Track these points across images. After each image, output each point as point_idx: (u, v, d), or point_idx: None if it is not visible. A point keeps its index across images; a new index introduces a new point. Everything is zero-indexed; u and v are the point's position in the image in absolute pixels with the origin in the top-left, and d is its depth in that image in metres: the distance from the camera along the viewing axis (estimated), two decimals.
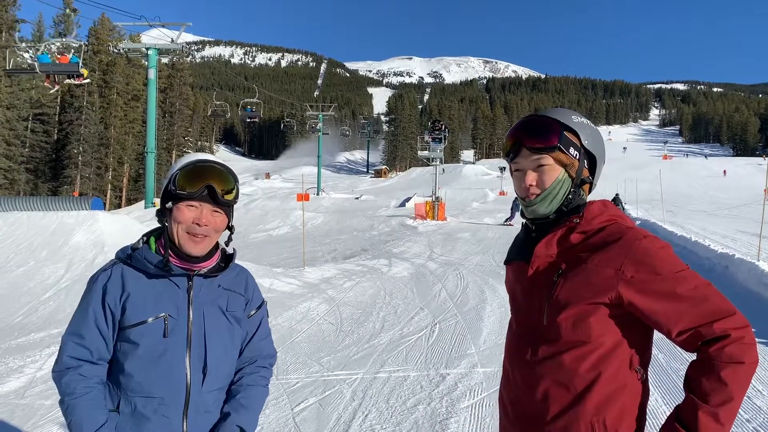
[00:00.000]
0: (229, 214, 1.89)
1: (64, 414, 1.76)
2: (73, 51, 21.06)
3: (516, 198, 21.29)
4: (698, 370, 1.45)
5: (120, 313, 1.80)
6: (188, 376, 1.80)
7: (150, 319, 1.78)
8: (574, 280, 1.54)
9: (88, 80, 25.51)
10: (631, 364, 1.54)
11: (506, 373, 1.73)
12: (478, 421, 4.45)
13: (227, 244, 1.97)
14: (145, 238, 1.91)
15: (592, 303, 1.51)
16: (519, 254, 1.73)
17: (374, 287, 10.57)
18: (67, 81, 22.78)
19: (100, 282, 1.83)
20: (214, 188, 1.79)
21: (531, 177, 1.61)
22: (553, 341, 1.56)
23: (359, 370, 5.75)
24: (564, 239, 1.62)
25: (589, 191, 1.70)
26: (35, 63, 21.00)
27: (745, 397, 4.89)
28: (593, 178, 1.68)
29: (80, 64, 21.51)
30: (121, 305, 1.80)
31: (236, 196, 1.87)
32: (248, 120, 62.30)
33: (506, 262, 1.82)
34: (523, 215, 1.72)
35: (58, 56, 21.36)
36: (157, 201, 35.21)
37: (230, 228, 1.93)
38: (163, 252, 1.84)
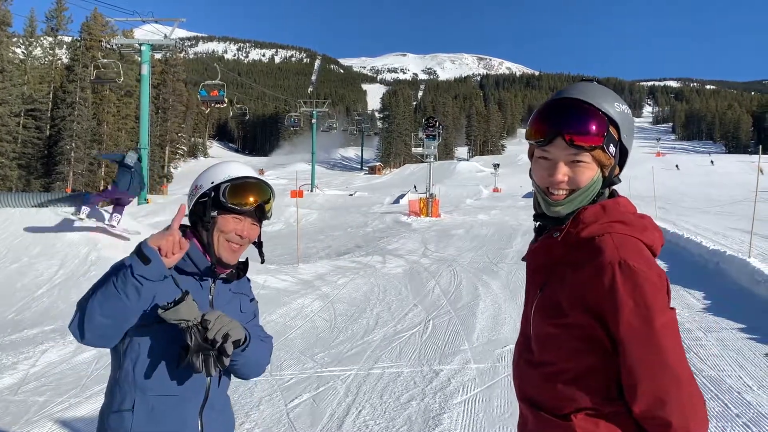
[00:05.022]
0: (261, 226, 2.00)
1: (97, 296, 1.69)
2: (219, 88, 33.72)
3: None
4: None
5: (150, 303, 1.76)
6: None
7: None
8: (549, 296, 1.42)
9: (225, 104, 39.14)
10: (609, 393, 1.36)
11: None
12: (470, 416, 4.48)
13: (262, 260, 2.10)
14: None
15: (558, 324, 1.38)
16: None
17: (368, 284, 10.59)
18: (216, 105, 36.06)
19: None
20: (264, 207, 1.90)
21: (564, 171, 1.40)
22: (534, 354, 1.47)
23: (353, 366, 5.77)
24: (549, 250, 1.46)
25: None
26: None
27: (735, 393, 4.89)
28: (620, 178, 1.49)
29: (224, 95, 34.26)
30: (152, 296, 1.75)
31: (272, 211, 1.99)
32: (292, 128, 67.35)
33: (524, 259, 1.67)
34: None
35: (211, 92, 34.93)
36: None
37: (260, 243, 2.02)
38: (207, 255, 1.89)
